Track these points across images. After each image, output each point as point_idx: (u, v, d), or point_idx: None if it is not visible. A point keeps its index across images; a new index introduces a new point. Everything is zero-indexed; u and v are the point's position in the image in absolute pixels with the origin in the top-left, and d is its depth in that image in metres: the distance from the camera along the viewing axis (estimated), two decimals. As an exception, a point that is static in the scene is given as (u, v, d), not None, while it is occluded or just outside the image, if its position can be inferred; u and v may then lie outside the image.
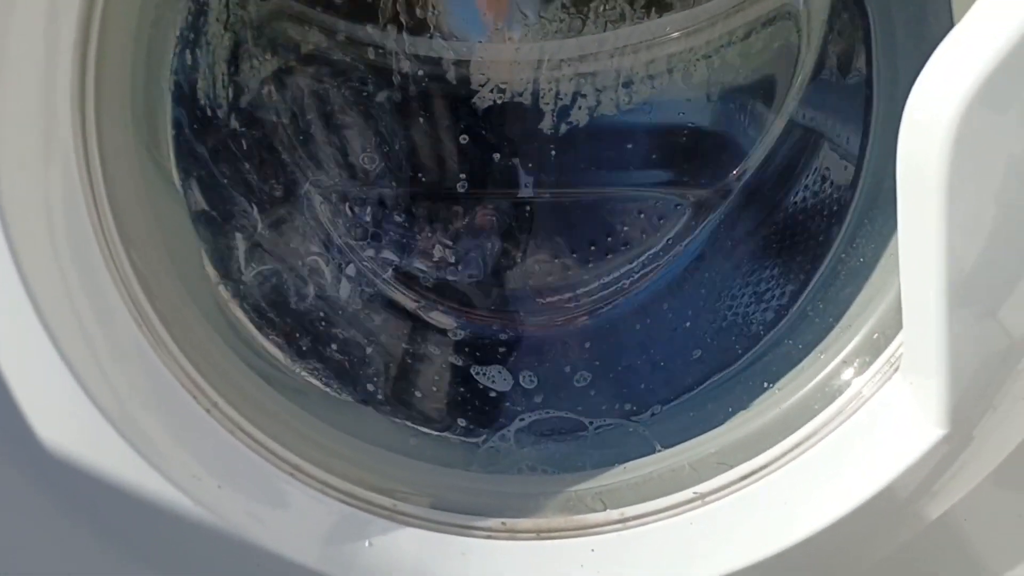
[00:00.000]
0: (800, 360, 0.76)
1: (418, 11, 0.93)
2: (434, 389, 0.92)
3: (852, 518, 0.66)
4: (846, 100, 0.82)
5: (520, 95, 0.95)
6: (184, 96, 0.77)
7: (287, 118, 0.94)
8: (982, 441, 0.67)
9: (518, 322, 0.99)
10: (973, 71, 0.53)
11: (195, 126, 0.79)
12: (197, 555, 0.64)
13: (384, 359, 0.93)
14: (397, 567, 0.67)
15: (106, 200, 0.66)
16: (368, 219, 0.99)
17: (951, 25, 0.59)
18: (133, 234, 0.67)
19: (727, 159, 0.96)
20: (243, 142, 0.88)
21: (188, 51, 0.77)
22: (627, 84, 0.93)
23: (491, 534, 0.71)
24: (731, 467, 0.72)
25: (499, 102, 0.96)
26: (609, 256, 1.00)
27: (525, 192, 0.99)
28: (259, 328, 0.85)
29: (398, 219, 0.99)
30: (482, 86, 0.95)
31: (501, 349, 0.97)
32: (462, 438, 0.84)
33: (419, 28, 0.94)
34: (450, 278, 1.00)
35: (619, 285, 0.99)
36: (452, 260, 0.99)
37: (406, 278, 1.00)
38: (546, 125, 0.96)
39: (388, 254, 1.00)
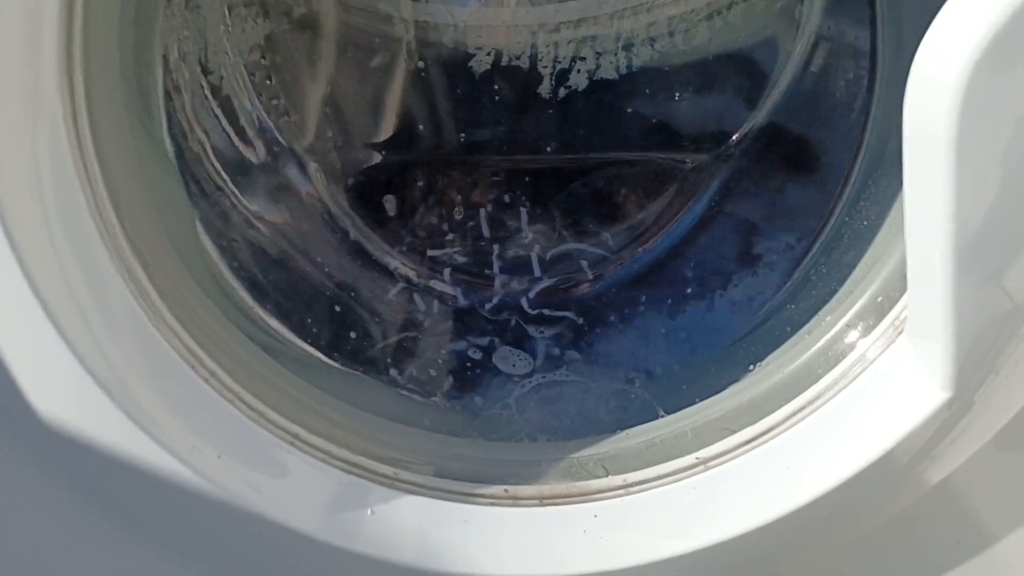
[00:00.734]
0: (804, 323, 0.75)
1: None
2: (434, 357, 0.91)
3: (852, 483, 0.66)
4: (848, 58, 0.81)
5: (517, 59, 0.94)
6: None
7: (279, 82, 0.92)
8: (983, 406, 0.67)
9: (518, 290, 0.98)
10: (982, 26, 0.51)
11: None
12: (198, 525, 0.64)
13: (384, 328, 0.92)
14: (400, 534, 0.67)
15: (98, 168, 0.64)
16: (364, 188, 0.98)
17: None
18: (125, 203, 0.66)
19: (728, 123, 0.95)
20: (235, 108, 0.87)
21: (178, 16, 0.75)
22: (627, 47, 0.91)
23: (494, 501, 0.71)
24: (734, 432, 0.72)
25: (497, 66, 0.94)
26: (610, 222, 0.99)
27: (523, 159, 0.98)
28: (256, 300, 0.84)
29: (394, 186, 0.98)
30: (479, 49, 0.93)
31: (501, 316, 0.96)
32: (463, 405, 0.84)
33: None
34: (447, 248, 0.99)
35: (621, 252, 0.98)
36: (447, 228, 0.98)
37: (406, 246, 0.99)
38: (544, 90, 0.95)
39: (385, 222, 0.99)
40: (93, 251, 0.63)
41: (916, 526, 0.76)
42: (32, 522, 0.68)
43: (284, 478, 0.66)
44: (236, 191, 0.90)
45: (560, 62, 0.94)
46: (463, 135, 0.98)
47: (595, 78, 0.94)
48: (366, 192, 0.98)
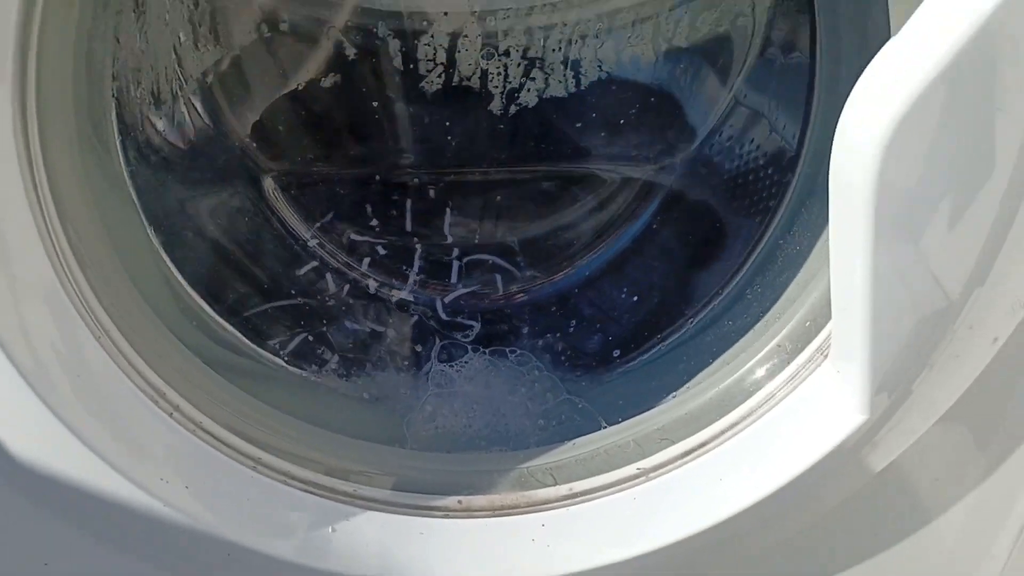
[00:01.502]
0: (738, 340, 0.80)
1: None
2: (383, 362, 0.94)
3: (773, 497, 0.72)
4: (788, 85, 0.83)
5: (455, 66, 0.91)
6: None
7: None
8: (921, 397, 0.72)
9: (460, 296, 1.01)
10: (899, 96, 0.55)
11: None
12: (173, 553, 0.68)
13: (339, 333, 0.95)
14: (362, 550, 0.72)
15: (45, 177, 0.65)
16: (304, 198, 0.98)
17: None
18: (74, 215, 0.67)
19: (674, 136, 0.97)
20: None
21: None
22: (575, 64, 0.91)
23: (448, 513, 0.76)
24: (674, 443, 0.77)
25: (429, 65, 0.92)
26: (552, 233, 1.02)
27: (463, 170, 0.98)
28: (215, 310, 0.86)
29: (330, 195, 0.99)
30: (416, 41, 0.90)
31: (444, 321, 0.99)
32: (415, 413, 0.87)
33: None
34: (383, 254, 1.00)
35: (561, 261, 1.01)
36: (383, 240, 0.99)
37: (348, 251, 1.00)
38: (487, 101, 0.94)
39: (328, 229, 0.99)
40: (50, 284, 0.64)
41: (861, 513, 0.81)
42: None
43: (249, 502, 0.70)
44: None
45: (508, 66, 0.93)
46: (393, 143, 0.97)
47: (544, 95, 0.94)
48: (305, 203, 0.98)
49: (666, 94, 0.96)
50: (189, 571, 0.70)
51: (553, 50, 0.88)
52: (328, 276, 0.96)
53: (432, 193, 0.98)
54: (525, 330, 0.94)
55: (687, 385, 0.82)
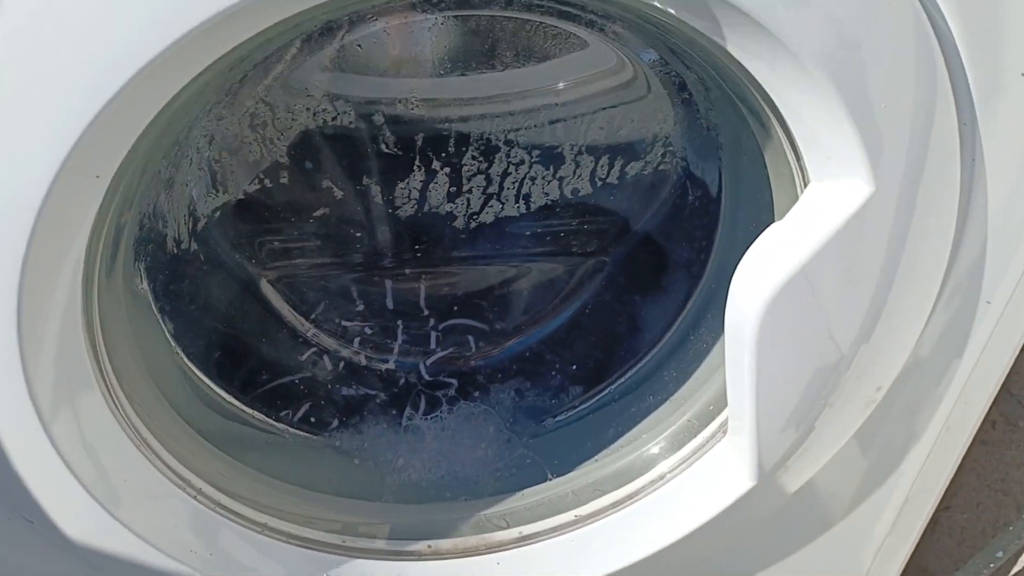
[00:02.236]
0: (653, 411, 0.98)
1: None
2: (367, 423, 1.09)
3: (688, 538, 0.90)
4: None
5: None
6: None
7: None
8: (822, 431, 0.88)
9: (438, 359, 1.16)
10: (781, 269, 0.71)
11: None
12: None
13: (329, 406, 1.09)
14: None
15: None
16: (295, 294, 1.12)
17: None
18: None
19: (606, 236, 1.13)
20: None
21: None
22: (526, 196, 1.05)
23: (420, 556, 0.93)
24: (605, 493, 0.95)
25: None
26: (489, 320, 1.17)
27: (401, 266, 1.11)
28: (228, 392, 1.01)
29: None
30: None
31: (400, 387, 1.14)
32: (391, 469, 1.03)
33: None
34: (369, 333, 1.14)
35: (501, 341, 1.16)
36: (369, 323, 1.13)
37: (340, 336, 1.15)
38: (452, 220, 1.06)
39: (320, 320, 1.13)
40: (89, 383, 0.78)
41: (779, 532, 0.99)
42: None
43: (261, 562, 0.86)
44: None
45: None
46: (339, 238, 1.09)
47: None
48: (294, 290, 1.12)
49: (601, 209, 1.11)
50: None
51: (507, 188, 1.03)
52: (325, 357, 1.10)
53: (408, 273, 1.13)
54: (492, 388, 1.10)
55: (617, 443, 0.99)
